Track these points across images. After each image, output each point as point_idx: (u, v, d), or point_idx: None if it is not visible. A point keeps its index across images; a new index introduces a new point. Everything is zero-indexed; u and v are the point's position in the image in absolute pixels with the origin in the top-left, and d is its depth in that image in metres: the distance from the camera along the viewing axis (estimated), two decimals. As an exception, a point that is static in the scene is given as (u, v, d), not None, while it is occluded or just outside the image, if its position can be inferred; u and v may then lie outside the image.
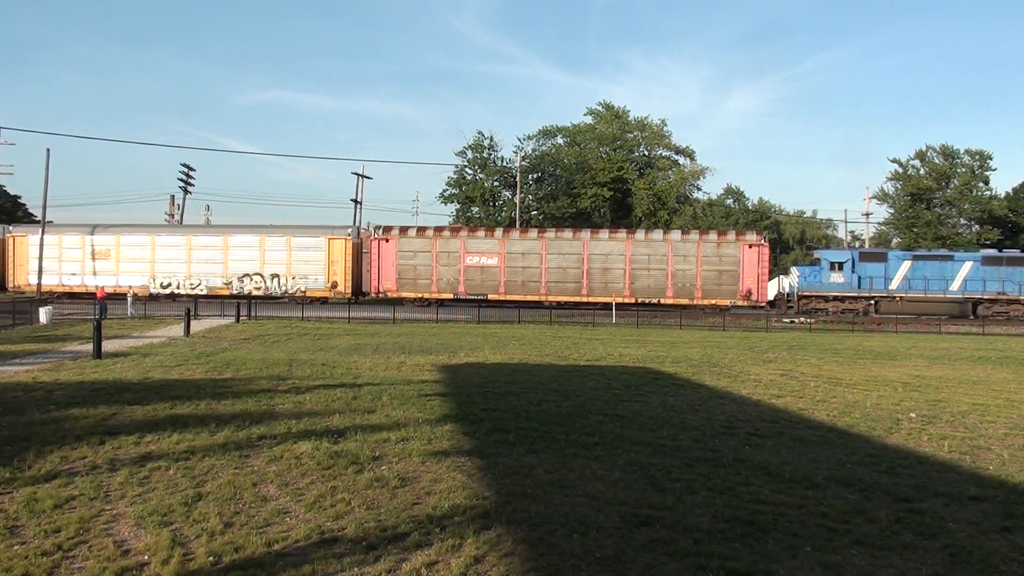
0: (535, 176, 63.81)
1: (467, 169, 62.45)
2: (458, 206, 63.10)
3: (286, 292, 42.62)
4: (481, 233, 42.73)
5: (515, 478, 8.01)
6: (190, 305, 30.21)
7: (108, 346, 19.94)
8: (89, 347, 19.03)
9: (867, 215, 67.18)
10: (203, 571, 5.54)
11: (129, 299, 35.60)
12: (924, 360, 21.21)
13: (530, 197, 61.61)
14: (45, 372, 15.59)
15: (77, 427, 10.12)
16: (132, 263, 43.81)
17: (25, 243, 44.51)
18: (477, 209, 61.31)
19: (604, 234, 42.07)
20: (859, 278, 40.70)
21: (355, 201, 63.90)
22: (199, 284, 43.21)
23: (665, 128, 65.92)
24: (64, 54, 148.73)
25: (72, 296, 42.94)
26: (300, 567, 5.55)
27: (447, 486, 7.66)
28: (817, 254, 43.63)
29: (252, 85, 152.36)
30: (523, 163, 60.68)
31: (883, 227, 67.55)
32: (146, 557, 5.75)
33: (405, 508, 6.97)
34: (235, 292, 42.32)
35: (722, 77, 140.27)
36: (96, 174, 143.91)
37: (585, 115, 68.53)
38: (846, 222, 70.33)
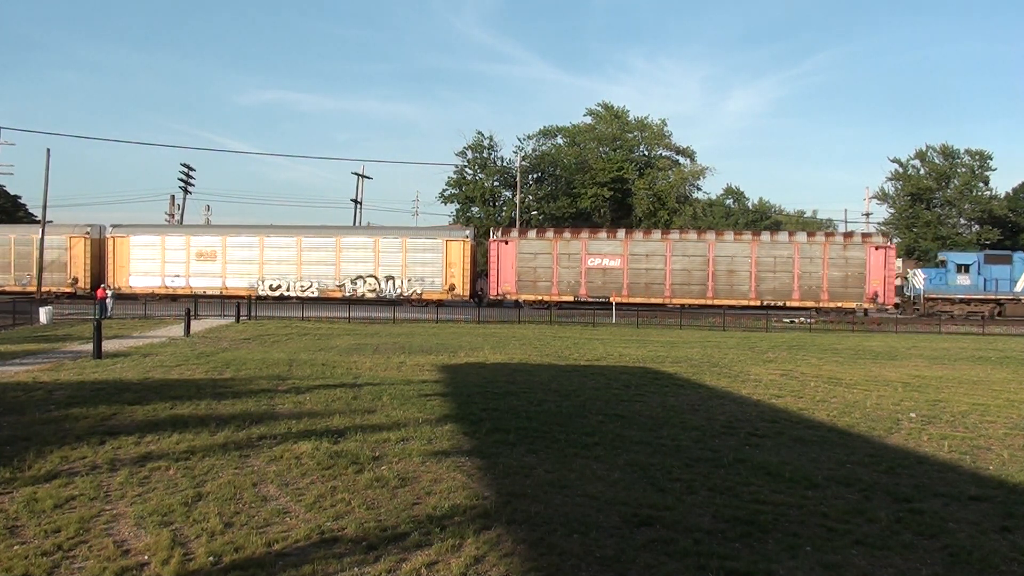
0: (535, 176, 63.87)
1: (467, 169, 62.54)
2: (458, 206, 63.18)
3: (401, 294, 41.72)
4: (603, 234, 41.86)
5: (515, 478, 8.01)
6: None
7: (108, 346, 19.95)
8: (89, 347, 19.04)
9: (867, 215, 67.27)
10: (203, 571, 5.54)
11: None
12: (924, 360, 21.20)
13: (530, 197, 61.66)
14: (45, 372, 15.59)
15: (77, 427, 10.12)
16: (239, 264, 42.81)
17: (126, 244, 43.37)
18: (477, 209, 61.35)
19: (729, 235, 41.50)
20: (984, 280, 40.56)
21: (355, 201, 63.95)
22: (310, 286, 42.18)
23: (665, 128, 66.05)
24: (64, 54, 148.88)
25: (174, 299, 41.65)
26: (300, 567, 5.55)
27: (447, 486, 7.66)
28: (943, 256, 43.52)
29: (252, 85, 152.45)
30: (523, 163, 60.72)
31: (883, 227, 67.56)
32: (146, 557, 5.75)
33: (405, 508, 6.97)
34: (348, 295, 41.49)
35: (722, 77, 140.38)
36: (96, 174, 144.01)
37: (585, 115, 68.70)
38: (846, 222, 70.38)
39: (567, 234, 41.89)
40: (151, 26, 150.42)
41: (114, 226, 44.62)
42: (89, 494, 7.26)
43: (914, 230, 60.69)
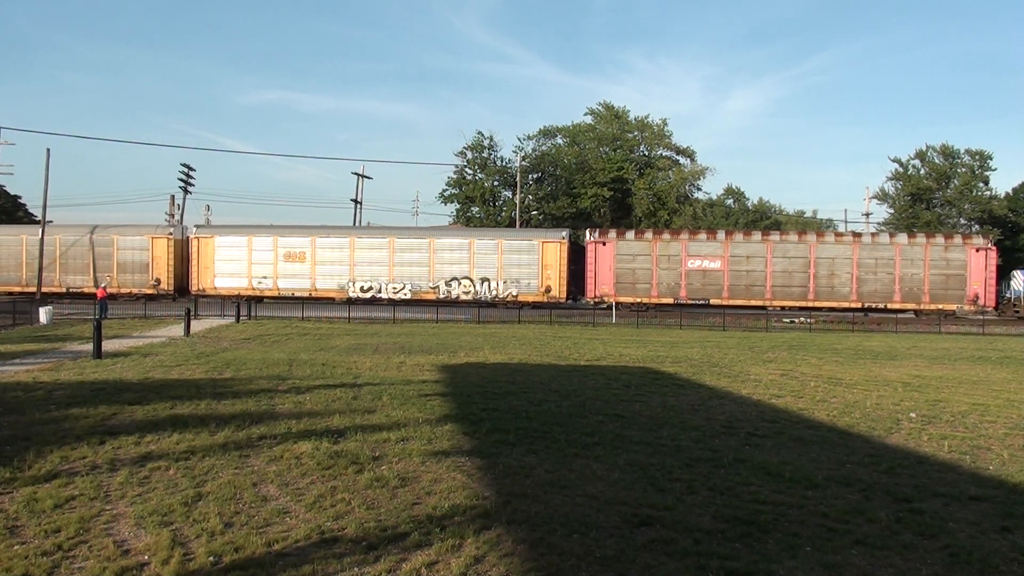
0: (535, 176, 63.86)
1: (467, 169, 62.53)
2: (458, 206, 63.18)
3: (496, 297, 41.08)
4: (703, 235, 41.23)
5: (515, 478, 8.01)
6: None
7: (108, 346, 19.95)
8: (89, 347, 19.04)
9: (867, 215, 67.20)
10: (203, 571, 5.54)
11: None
12: (924, 360, 21.20)
13: (530, 197, 61.65)
14: (45, 372, 15.59)
15: (77, 427, 10.12)
16: (329, 266, 42.11)
17: (211, 245, 42.75)
18: (477, 209, 61.36)
19: (830, 237, 41.35)
20: None
21: (355, 201, 63.95)
22: (403, 288, 41.61)
23: (665, 128, 66.01)
24: (64, 54, 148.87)
25: (260, 300, 40.91)
26: (300, 567, 5.55)
27: (447, 486, 7.66)
28: None
29: (252, 85, 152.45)
30: (523, 163, 60.71)
31: (883, 227, 67.56)
32: (146, 557, 5.75)
33: (405, 508, 6.97)
34: (442, 296, 41.05)
35: (722, 77, 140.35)
36: (96, 174, 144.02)
37: (585, 115, 68.69)
38: (846, 222, 70.32)
39: (666, 235, 41.41)
40: (151, 26, 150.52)
41: (197, 226, 44.22)
42: (89, 494, 7.26)
43: (914, 230, 60.65)
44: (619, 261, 40.46)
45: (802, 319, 38.24)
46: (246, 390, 13.42)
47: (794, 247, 40.10)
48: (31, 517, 6.61)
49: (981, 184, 60.92)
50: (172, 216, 65.61)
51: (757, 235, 41.42)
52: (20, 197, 67.56)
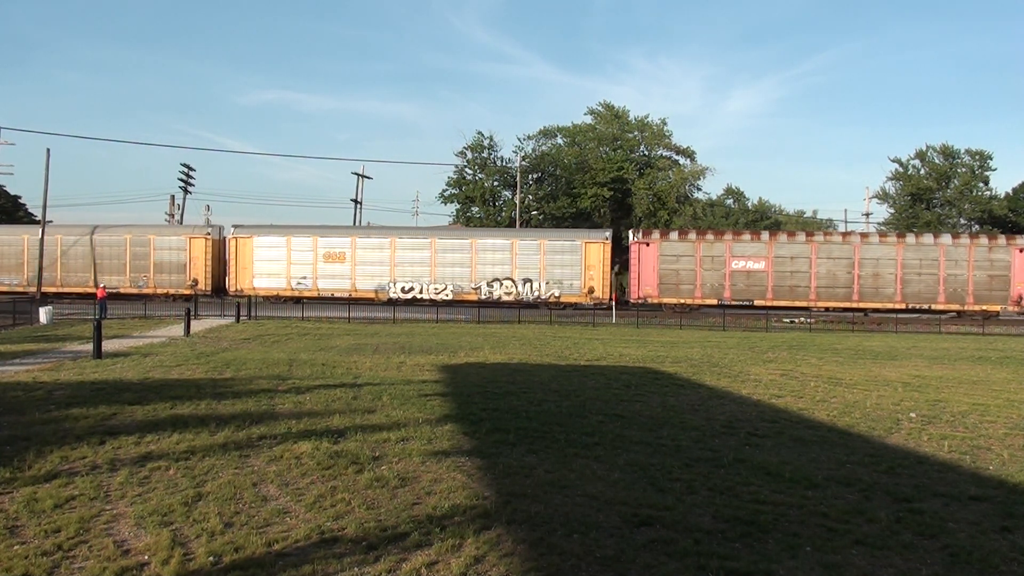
0: (535, 176, 63.83)
1: (467, 169, 62.52)
2: (458, 206, 63.17)
3: (538, 297, 40.96)
4: (747, 236, 41.20)
5: (515, 478, 8.01)
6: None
7: (108, 346, 19.95)
8: (89, 347, 19.04)
9: (867, 215, 67.23)
10: (203, 571, 5.54)
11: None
12: (924, 360, 21.20)
13: (530, 197, 61.64)
14: (45, 372, 15.59)
15: (77, 427, 10.12)
16: (369, 266, 41.86)
17: (250, 245, 42.31)
18: (477, 209, 61.35)
19: (874, 238, 41.18)
20: None
21: (355, 201, 63.96)
22: (444, 288, 41.38)
23: (665, 128, 65.94)
24: (64, 54, 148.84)
25: (298, 301, 40.52)
26: (300, 567, 5.55)
27: (447, 486, 7.66)
28: None
29: (252, 85, 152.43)
30: (523, 163, 60.70)
31: (883, 227, 67.57)
32: (146, 557, 5.75)
33: (405, 508, 6.97)
34: (483, 297, 40.90)
35: (723, 77, 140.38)
36: (96, 174, 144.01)
37: (585, 115, 68.60)
38: (846, 222, 70.37)
39: (710, 235, 41.26)
40: (151, 26, 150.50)
41: (235, 226, 43.63)
42: (89, 494, 7.26)
43: (914, 230, 60.65)
44: (663, 262, 40.32)
45: (802, 319, 38.22)
46: (246, 390, 13.42)
47: (838, 248, 39.98)
48: (31, 517, 6.60)
49: (981, 184, 60.94)
50: (172, 216, 65.65)
51: (801, 236, 41.38)
52: (20, 197, 67.64)
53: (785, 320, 38.27)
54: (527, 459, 8.82)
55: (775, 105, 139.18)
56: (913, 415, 12.26)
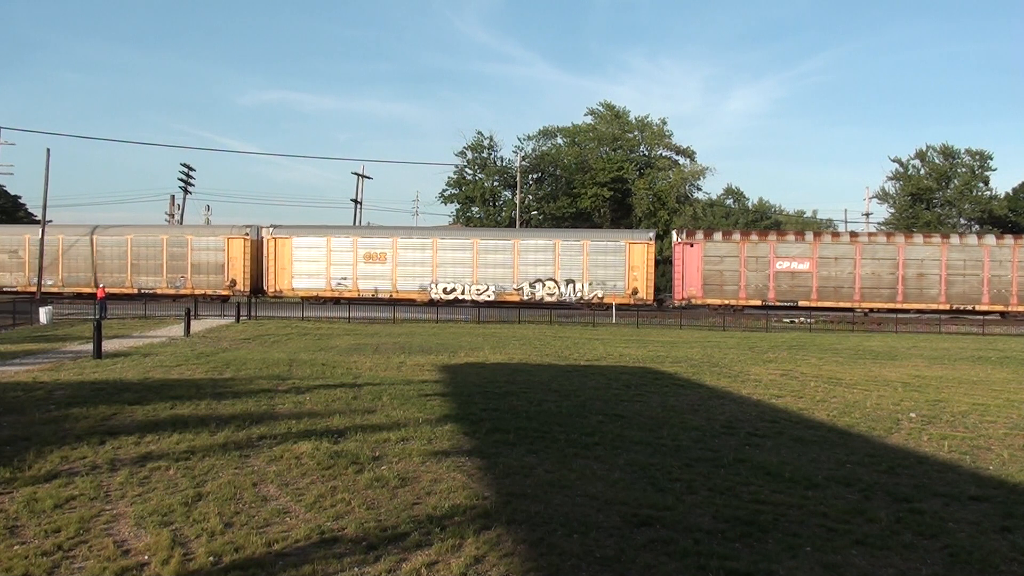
0: (535, 176, 63.87)
1: (467, 169, 62.55)
2: (458, 206, 63.20)
3: (581, 299, 40.43)
4: (791, 236, 40.80)
5: (515, 478, 8.01)
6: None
7: (108, 346, 19.95)
8: (89, 347, 19.04)
9: (867, 215, 67.22)
10: (203, 571, 5.54)
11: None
12: (924, 360, 21.20)
13: (530, 197, 61.68)
14: (45, 372, 15.59)
15: (77, 427, 10.12)
16: (411, 267, 41.42)
17: (288, 245, 41.92)
18: (477, 209, 61.37)
19: (919, 238, 40.84)
20: None
21: (355, 201, 63.94)
22: (486, 289, 40.89)
23: (665, 128, 66.01)
24: (64, 54, 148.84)
25: (337, 302, 40.36)
26: (300, 567, 5.55)
27: (447, 486, 7.66)
28: None
29: (252, 85, 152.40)
30: (523, 163, 60.72)
31: (883, 227, 67.58)
32: (146, 557, 5.75)
33: (405, 508, 6.97)
34: (526, 298, 40.56)
35: (723, 77, 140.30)
36: (96, 174, 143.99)
37: (585, 115, 68.65)
38: (846, 222, 70.34)
39: (754, 236, 40.95)
40: (151, 26, 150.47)
41: (274, 227, 43.30)
42: (89, 494, 7.26)
43: (914, 230, 60.68)
44: (707, 263, 39.96)
45: (802, 319, 38.20)
46: (246, 390, 13.42)
47: (883, 248, 39.71)
48: (31, 517, 6.61)
49: (981, 184, 60.96)
50: (172, 216, 65.65)
51: (846, 236, 41.27)
52: (20, 197, 67.66)
53: (785, 320, 38.27)
54: (527, 459, 8.82)
55: (775, 105, 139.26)
56: (913, 415, 12.27)
